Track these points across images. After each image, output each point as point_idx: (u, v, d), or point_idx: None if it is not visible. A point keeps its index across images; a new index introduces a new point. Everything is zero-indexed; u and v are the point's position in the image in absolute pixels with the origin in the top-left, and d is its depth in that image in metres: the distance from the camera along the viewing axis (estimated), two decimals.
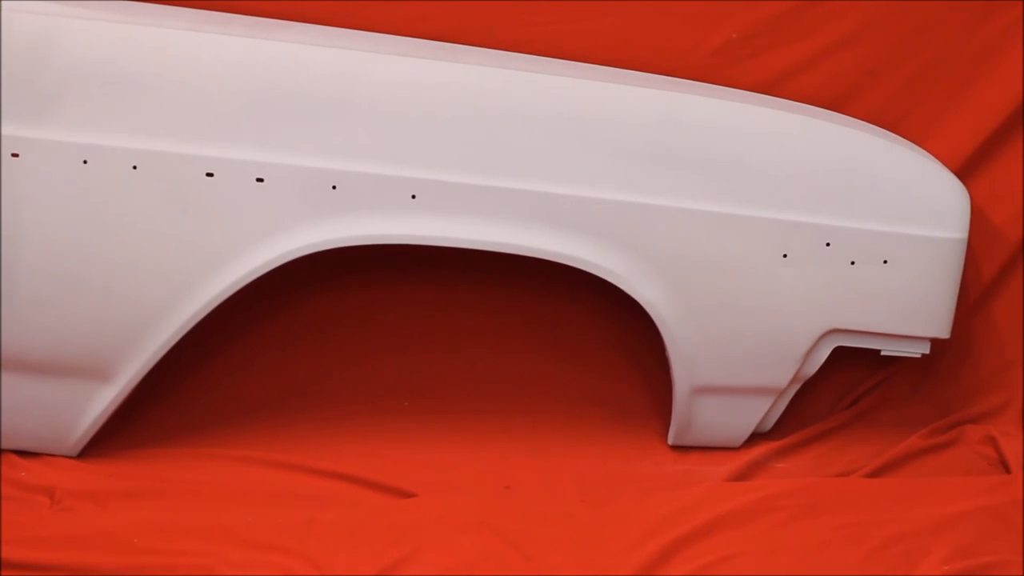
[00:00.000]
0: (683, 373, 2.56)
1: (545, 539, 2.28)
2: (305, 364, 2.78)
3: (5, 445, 2.46)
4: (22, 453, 2.46)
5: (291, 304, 2.79)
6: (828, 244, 2.50)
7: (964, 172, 2.73)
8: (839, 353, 2.64)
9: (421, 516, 2.32)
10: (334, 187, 2.37)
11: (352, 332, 2.81)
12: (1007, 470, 2.61)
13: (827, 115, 2.65)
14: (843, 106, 2.75)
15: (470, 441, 2.66)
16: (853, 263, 2.52)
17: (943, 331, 2.60)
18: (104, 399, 2.42)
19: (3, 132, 2.29)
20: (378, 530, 2.26)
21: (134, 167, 2.32)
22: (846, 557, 2.27)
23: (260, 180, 2.35)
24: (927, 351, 2.63)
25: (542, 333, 2.85)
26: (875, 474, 2.58)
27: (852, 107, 2.75)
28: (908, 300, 2.56)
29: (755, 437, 2.68)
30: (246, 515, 2.29)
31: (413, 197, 2.39)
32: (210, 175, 2.34)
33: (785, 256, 2.50)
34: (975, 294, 2.82)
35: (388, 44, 2.55)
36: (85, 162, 2.31)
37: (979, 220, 2.72)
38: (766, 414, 2.65)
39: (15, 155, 2.30)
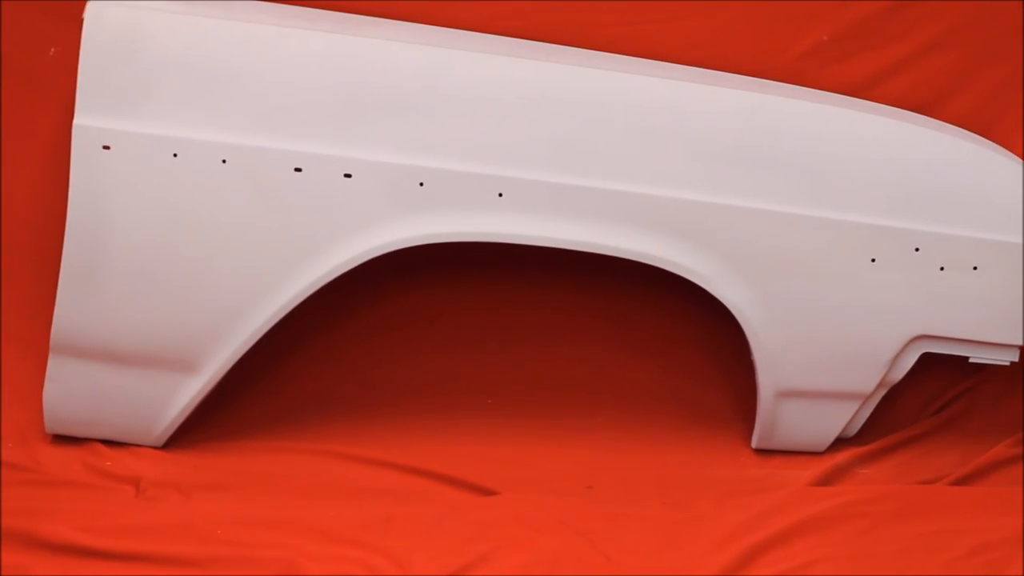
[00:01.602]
0: (768, 376, 2.54)
1: (626, 540, 2.27)
2: (387, 359, 2.79)
3: (93, 434, 2.48)
4: (108, 443, 2.48)
5: (373, 299, 2.79)
6: (917, 249, 2.48)
7: None
8: (926, 359, 2.62)
9: (501, 514, 2.31)
10: (421, 184, 2.37)
11: (434, 328, 2.82)
12: None
13: (917, 119, 2.63)
14: (934, 110, 2.72)
15: (552, 440, 2.65)
16: (942, 268, 2.50)
17: None
18: (190, 391, 2.44)
19: (96, 124, 2.31)
20: (457, 527, 2.26)
21: (223, 161, 2.34)
22: (929, 565, 2.24)
23: (348, 176, 2.36)
24: (1016, 359, 2.61)
25: (625, 333, 2.84)
26: (960, 482, 2.56)
27: (943, 111, 2.73)
28: (997, 307, 2.54)
29: (839, 442, 2.67)
30: (326, 509, 2.30)
31: (500, 195, 2.39)
32: (298, 170, 2.35)
33: (873, 260, 2.48)
34: None
35: (476, 42, 2.55)
36: (175, 155, 2.33)
37: None
38: (851, 419, 2.63)
39: (106, 147, 2.32)
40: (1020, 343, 2.58)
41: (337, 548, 2.17)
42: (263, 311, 2.39)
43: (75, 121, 2.32)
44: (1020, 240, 2.51)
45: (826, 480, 2.56)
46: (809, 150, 2.46)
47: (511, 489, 2.43)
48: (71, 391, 2.43)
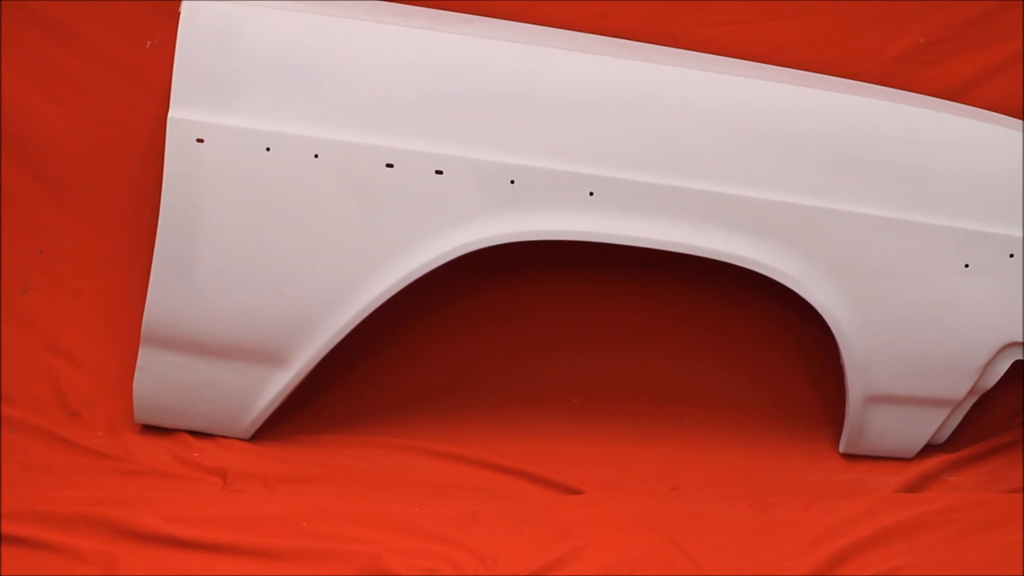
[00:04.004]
0: (857, 380, 2.53)
1: (710, 542, 2.26)
2: (474, 356, 2.79)
3: (181, 425, 2.50)
4: (197, 434, 2.50)
5: (461, 296, 2.80)
6: (1011, 255, 2.46)
7: None
8: (1018, 367, 2.59)
9: (586, 513, 2.31)
10: (512, 181, 2.38)
11: (521, 326, 2.82)
12: None
13: (1012, 123, 2.60)
14: None
15: (637, 440, 2.65)
16: None
17: None
18: (278, 384, 2.45)
19: (190, 117, 2.33)
20: (542, 525, 2.26)
21: (316, 156, 2.35)
22: (1016, 574, 2.22)
23: (439, 172, 2.37)
24: None
25: (714, 335, 2.83)
26: None
27: None
28: None
29: (928, 448, 2.65)
30: (411, 504, 2.31)
31: (591, 194, 2.38)
32: (390, 166, 2.36)
33: (966, 266, 2.46)
34: None
35: (569, 40, 2.55)
36: (268, 149, 2.34)
37: None
38: (941, 426, 2.61)
39: (200, 140, 2.34)
40: None
41: (422, 543, 2.18)
42: (352, 306, 2.40)
43: (170, 114, 2.34)
44: None
45: (914, 487, 2.54)
46: (903, 153, 2.44)
47: (596, 489, 2.43)
48: (161, 382, 2.45)
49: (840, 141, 2.43)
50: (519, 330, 2.81)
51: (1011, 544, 2.30)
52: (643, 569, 2.17)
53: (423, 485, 2.42)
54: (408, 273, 2.38)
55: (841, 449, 2.66)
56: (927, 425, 2.60)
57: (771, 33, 2.73)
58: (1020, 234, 2.46)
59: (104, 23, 2.68)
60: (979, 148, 2.47)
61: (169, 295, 2.39)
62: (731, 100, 2.42)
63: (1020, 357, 2.55)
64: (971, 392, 2.57)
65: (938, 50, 2.72)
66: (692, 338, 2.83)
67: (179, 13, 2.34)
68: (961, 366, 2.52)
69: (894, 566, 2.21)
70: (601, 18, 2.68)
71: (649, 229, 2.41)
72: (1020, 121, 2.65)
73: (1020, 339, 2.52)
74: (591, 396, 2.74)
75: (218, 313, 2.40)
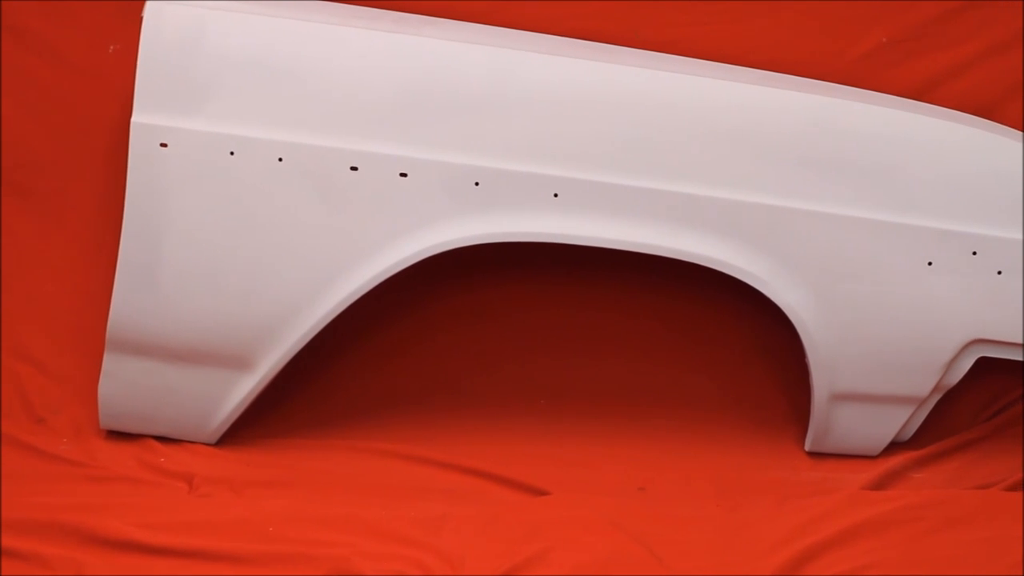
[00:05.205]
0: (823, 379, 2.53)
1: (678, 542, 2.26)
2: (440, 359, 2.79)
3: (147, 431, 2.50)
4: (162, 439, 2.50)
5: (428, 300, 2.80)
6: (975, 253, 2.47)
7: None
8: (982, 363, 2.60)
9: (554, 514, 2.31)
10: (477, 183, 2.38)
11: (487, 328, 2.82)
12: None
13: (977, 122, 2.61)
14: (994, 113, 2.71)
15: (605, 441, 2.65)
16: (999, 272, 2.48)
17: None
18: (244, 388, 2.45)
19: (153, 122, 2.32)
20: (510, 527, 2.26)
21: (280, 159, 2.34)
22: (984, 571, 2.23)
23: (404, 175, 2.36)
24: None
25: (680, 335, 2.84)
26: (1015, 488, 2.53)
27: (1003, 114, 2.72)
28: None
29: (894, 446, 2.66)
30: (380, 507, 2.30)
31: (556, 196, 2.39)
32: (354, 169, 2.35)
33: (930, 264, 2.47)
34: None
35: (534, 42, 2.55)
36: (232, 153, 2.34)
37: None
38: (906, 423, 2.62)
39: (164, 145, 2.33)
40: None
41: (390, 546, 2.18)
42: (317, 310, 2.40)
43: (133, 119, 2.33)
44: None
45: (880, 484, 2.55)
46: (867, 153, 2.45)
47: (564, 490, 2.43)
48: (126, 387, 2.45)
49: (804, 141, 2.44)
50: (485, 333, 2.81)
51: (977, 540, 2.31)
52: (611, 569, 2.17)
53: (390, 488, 2.42)
54: (373, 276, 2.38)
55: (807, 447, 2.66)
56: (892, 423, 2.61)
57: (736, 34, 2.73)
58: (983, 232, 2.47)
59: (67, 28, 2.67)
60: (943, 147, 2.47)
61: (133, 300, 2.38)
62: (696, 101, 2.43)
63: (984, 354, 2.56)
64: (935, 389, 2.58)
65: (902, 50, 2.73)
66: (658, 339, 2.83)
67: (142, 17, 2.34)
68: (925, 363, 2.53)
69: (861, 564, 2.22)
70: (565, 20, 2.69)
71: (614, 230, 2.41)
72: (984, 120, 2.67)
73: (984, 336, 2.53)
74: (558, 398, 2.74)
75: (183, 318, 2.39)
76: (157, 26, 2.33)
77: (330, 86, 2.35)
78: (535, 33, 2.64)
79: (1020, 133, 2.63)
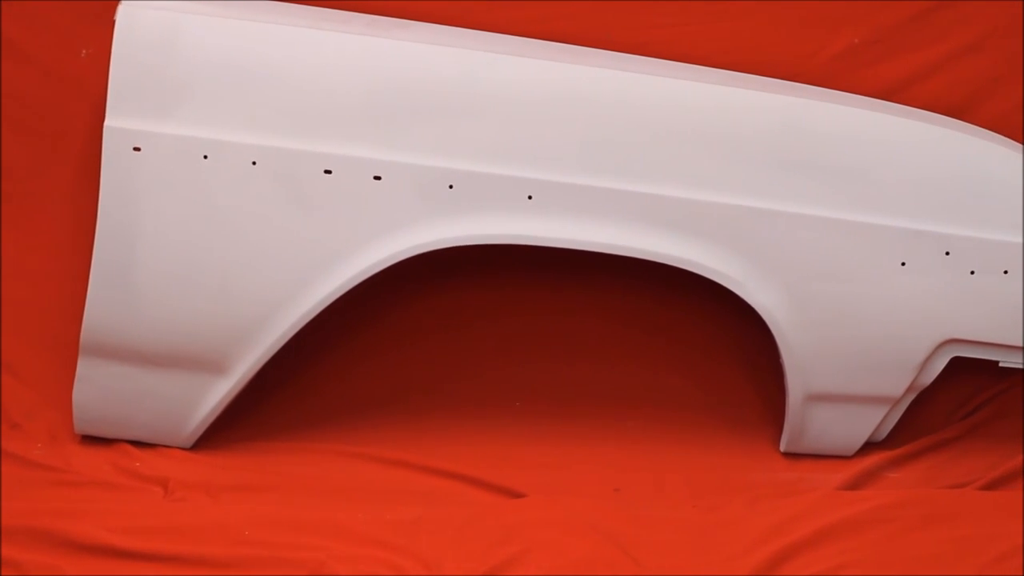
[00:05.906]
0: (797, 380, 2.54)
1: (654, 543, 2.26)
2: (417, 363, 2.79)
3: (122, 435, 2.49)
4: (137, 444, 2.49)
5: (404, 302, 2.80)
6: (948, 253, 2.48)
7: None
8: (956, 364, 2.61)
9: (530, 516, 2.31)
10: (451, 186, 2.38)
11: (464, 332, 2.82)
12: None
13: (949, 122, 2.62)
14: (966, 113, 2.72)
15: (580, 443, 2.65)
16: (972, 272, 2.49)
17: None
18: (219, 392, 2.44)
19: (126, 126, 2.32)
20: (487, 529, 2.26)
21: (253, 163, 2.34)
22: (959, 570, 2.24)
23: (377, 178, 2.36)
24: None
25: (655, 337, 2.84)
26: (990, 487, 2.55)
27: (975, 115, 2.72)
28: None
29: (868, 446, 2.66)
30: (356, 511, 2.30)
31: (529, 198, 2.39)
32: (328, 172, 2.35)
33: (904, 264, 2.47)
34: None
35: (506, 45, 2.55)
36: (205, 157, 2.33)
37: None
38: (880, 423, 2.62)
39: (137, 149, 2.33)
40: None
41: (366, 549, 2.18)
42: (292, 313, 2.40)
43: (106, 123, 2.32)
44: None
45: (855, 484, 2.56)
46: (839, 153, 2.46)
47: (540, 492, 2.43)
48: (101, 392, 2.44)
49: (778, 142, 2.44)
50: (461, 335, 2.81)
51: (951, 540, 2.31)
52: (587, 571, 2.17)
53: (366, 491, 2.42)
54: (347, 279, 2.38)
55: (782, 448, 2.67)
56: (867, 423, 2.61)
57: (709, 35, 2.73)
58: (956, 232, 2.48)
59: (40, 32, 2.66)
60: (915, 147, 2.48)
61: (108, 305, 2.37)
62: (669, 103, 2.43)
63: (958, 354, 2.57)
64: (910, 389, 2.58)
65: (873, 51, 2.74)
66: (633, 340, 2.84)
67: (114, 21, 2.33)
68: (899, 364, 2.54)
69: (836, 564, 2.22)
70: (538, 22, 2.68)
71: (588, 231, 2.41)
72: (955, 120, 2.68)
73: (957, 336, 2.53)
74: (534, 400, 2.74)
75: (157, 322, 2.39)
76: (129, 29, 2.33)
77: (303, 89, 2.35)
78: (508, 35, 2.64)
79: (991, 133, 2.65)
